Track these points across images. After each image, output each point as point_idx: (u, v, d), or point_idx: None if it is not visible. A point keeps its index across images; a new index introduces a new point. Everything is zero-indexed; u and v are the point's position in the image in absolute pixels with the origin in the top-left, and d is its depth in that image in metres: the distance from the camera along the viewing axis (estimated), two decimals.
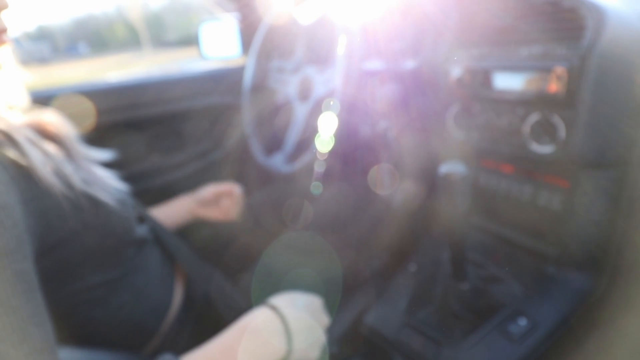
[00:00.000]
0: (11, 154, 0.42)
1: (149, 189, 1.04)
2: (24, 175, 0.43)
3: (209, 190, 0.86)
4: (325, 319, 0.57)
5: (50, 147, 0.52)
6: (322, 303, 0.60)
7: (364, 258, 0.85)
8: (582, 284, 0.60)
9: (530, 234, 0.66)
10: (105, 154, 0.65)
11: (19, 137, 0.45)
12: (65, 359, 0.41)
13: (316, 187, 0.77)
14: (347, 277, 0.79)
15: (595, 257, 0.58)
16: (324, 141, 0.75)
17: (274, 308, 0.52)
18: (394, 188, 0.89)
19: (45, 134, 0.55)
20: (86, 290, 0.52)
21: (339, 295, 0.74)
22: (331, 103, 0.77)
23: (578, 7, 0.52)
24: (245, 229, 0.88)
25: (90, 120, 0.95)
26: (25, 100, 0.53)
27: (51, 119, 0.57)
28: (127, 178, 0.68)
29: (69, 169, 0.50)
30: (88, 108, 0.95)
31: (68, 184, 0.48)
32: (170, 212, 0.84)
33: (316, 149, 0.75)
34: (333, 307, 0.72)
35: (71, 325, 0.53)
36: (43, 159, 0.46)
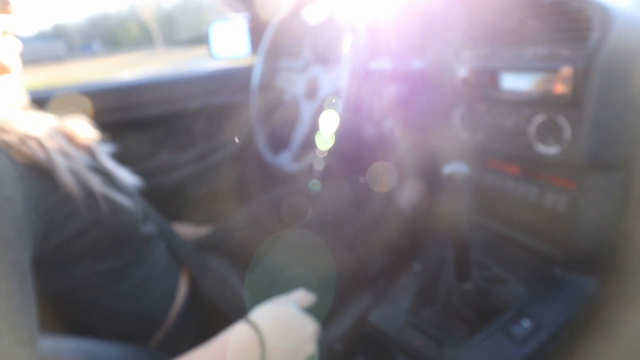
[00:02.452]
0: (33, 153, 0.44)
1: (158, 187, 1.06)
2: (39, 174, 0.45)
3: None
4: (311, 331, 0.56)
5: (74, 151, 0.53)
6: (310, 313, 0.59)
7: (368, 256, 0.85)
8: (587, 286, 0.59)
9: (535, 235, 0.66)
10: (116, 152, 0.66)
11: (45, 140, 0.47)
12: (73, 349, 0.42)
13: (315, 185, 0.77)
14: (350, 275, 0.80)
15: (601, 259, 0.58)
16: (325, 139, 0.76)
17: (253, 325, 0.51)
18: (394, 186, 0.89)
19: (71, 138, 0.57)
20: (87, 276, 0.53)
21: (333, 292, 0.74)
22: (333, 101, 0.78)
23: (584, 8, 0.52)
24: (255, 225, 0.89)
25: (101, 118, 0.97)
26: (24, 99, 0.54)
27: (78, 124, 0.59)
28: (138, 175, 0.70)
29: (89, 172, 0.52)
30: (100, 106, 0.98)
31: (87, 187, 0.50)
32: None
33: (317, 148, 0.76)
34: (329, 304, 0.72)
35: (74, 312, 0.54)
36: (65, 161, 0.48)
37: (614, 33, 0.49)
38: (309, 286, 0.64)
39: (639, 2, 0.53)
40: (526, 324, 0.57)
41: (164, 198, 0.88)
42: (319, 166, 0.74)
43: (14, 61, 0.48)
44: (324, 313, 0.67)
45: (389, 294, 0.71)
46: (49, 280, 0.46)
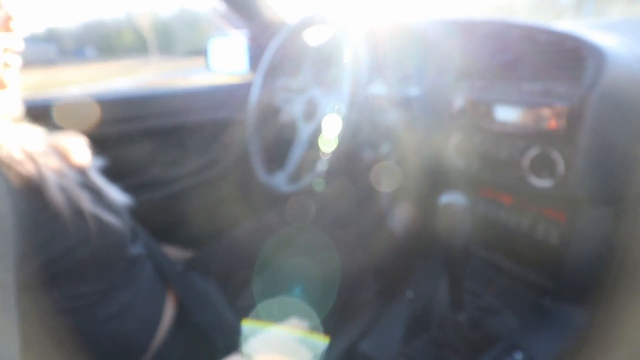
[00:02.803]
0: (25, 170, 0.43)
1: (148, 202, 1.04)
2: (28, 190, 0.44)
3: None
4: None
5: (66, 167, 0.52)
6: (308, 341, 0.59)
7: (358, 279, 0.84)
8: (578, 319, 0.60)
9: (527, 266, 0.66)
10: (107, 165, 0.65)
11: (38, 154, 0.46)
12: None
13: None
14: (340, 299, 0.79)
15: (592, 291, 0.58)
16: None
17: (248, 359, 0.50)
18: (387, 208, 0.89)
19: (64, 155, 0.55)
20: (69, 299, 0.51)
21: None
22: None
23: (579, 48, 0.54)
24: (248, 243, 0.88)
25: (93, 129, 0.96)
26: (20, 110, 0.53)
27: (71, 140, 0.58)
28: (127, 189, 0.69)
29: (79, 190, 0.51)
30: (92, 117, 0.96)
31: (76, 205, 0.49)
32: None
33: (318, 170, 0.76)
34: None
35: (54, 337, 0.52)
36: (56, 178, 0.47)
37: (607, 73, 0.51)
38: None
39: (631, 45, 0.55)
40: (518, 356, 0.56)
41: (153, 214, 0.86)
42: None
43: (13, 77, 0.48)
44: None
45: (380, 322, 0.71)
46: (28, 302, 0.44)
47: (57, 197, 0.47)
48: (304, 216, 0.86)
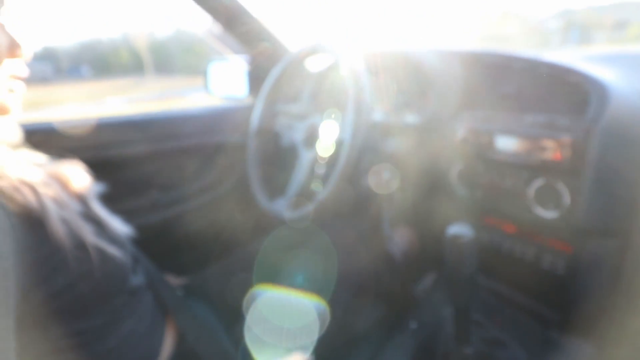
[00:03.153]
0: (26, 201, 0.42)
1: (147, 225, 1.02)
2: (30, 224, 0.42)
3: None
4: None
5: (68, 198, 0.51)
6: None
7: (362, 308, 0.83)
8: (585, 351, 0.58)
9: (532, 296, 0.66)
10: (104, 189, 0.64)
11: (40, 186, 0.45)
12: None
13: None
14: (342, 328, 0.77)
15: (599, 324, 0.57)
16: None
17: None
18: (387, 234, 0.89)
19: (65, 184, 0.54)
20: (67, 336, 0.49)
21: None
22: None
23: (582, 83, 0.55)
24: (247, 268, 0.86)
25: (90, 153, 0.95)
26: (17, 136, 0.53)
27: (72, 169, 0.57)
28: (125, 213, 0.67)
29: (81, 221, 0.49)
30: (89, 141, 0.95)
31: (78, 237, 0.47)
32: None
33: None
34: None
35: None
36: (57, 210, 0.46)
37: (610, 107, 0.51)
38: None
39: (633, 79, 0.56)
40: None
41: (151, 238, 0.84)
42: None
43: (16, 104, 0.47)
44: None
45: (385, 353, 0.69)
46: (25, 341, 0.42)
47: (58, 229, 0.45)
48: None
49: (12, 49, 0.44)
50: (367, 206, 0.91)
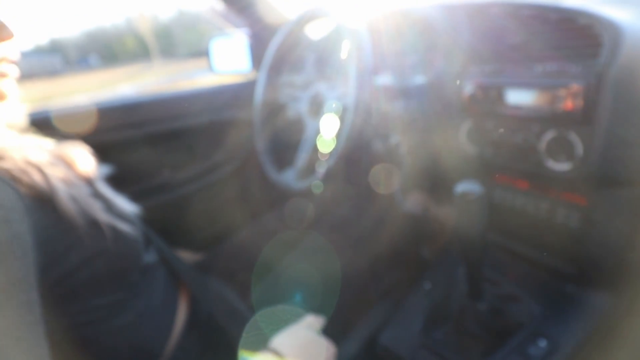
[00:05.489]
0: (34, 182, 0.43)
1: (160, 205, 1.05)
2: (41, 204, 0.44)
3: None
4: (330, 354, 0.57)
5: (75, 178, 0.52)
6: (324, 337, 0.59)
7: (376, 271, 0.84)
8: (602, 304, 0.58)
9: (547, 251, 0.65)
10: (115, 171, 0.65)
11: (46, 167, 0.46)
12: None
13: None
14: (357, 289, 0.78)
15: (615, 276, 0.57)
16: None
17: (276, 353, 0.51)
18: (406, 202, 0.89)
19: (71, 165, 0.55)
20: (84, 312, 0.51)
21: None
22: (333, 105, 0.77)
23: (593, 25, 0.52)
24: (258, 241, 0.88)
25: (99, 136, 0.96)
26: (23, 121, 0.53)
27: (77, 150, 0.58)
28: (138, 194, 0.69)
29: (91, 200, 0.51)
30: (99, 125, 0.97)
31: (90, 215, 0.49)
32: None
33: (318, 151, 0.75)
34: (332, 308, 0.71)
35: (74, 346, 0.53)
36: (66, 189, 0.47)
37: (624, 49, 0.49)
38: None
39: None
40: (542, 343, 0.55)
41: (162, 218, 0.86)
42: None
43: (11, 88, 0.47)
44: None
45: (399, 313, 0.70)
46: (44, 317, 0.45)
47: (69, 208, 0.47)
48: (304, 219, 0.86)
49: (0, 32, 0.44)
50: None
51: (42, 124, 0.72)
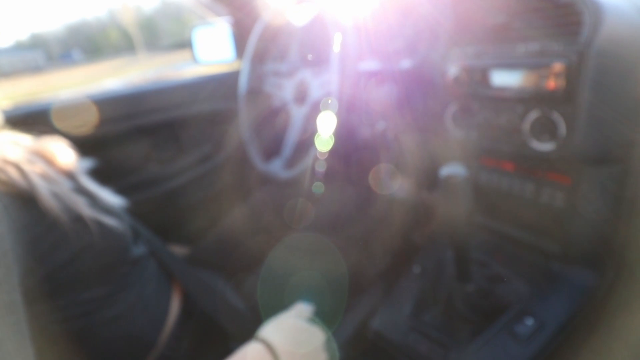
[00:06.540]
0: (11, 179, 0.42)
1: (149, 199, 1.04)
2: (22, 203, 0.43)
3: None
4: (321, 341, 0.57)
5: (55, 174, 0.51)
6: (316, 323, 0.59)
7: (367, 259, 0.84)
8: (587, 281, 0.59)
9: (533, 232, 0.66)
10: (101, 166, 0.64)
11: (24, 164, 0.44)
12: None
13: (318, 187, 0.76)
14: (351, 279, 0.79)
15: (599, 253, 0.58)
16: (324, 141, 0.75)
17: (266, 342, 0.50)
18: (394, 188, 0.89)
19: (50, 161, 0.54)
20: (77, 305, 0.51)
21: (345, 297, 0.74)
22: (329, 102, 0.76)
23: (574, 3, 0.51)
24: (247, 232, 0.87)
25: (87, 130, 0.94)
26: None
27: (56, 145, 0.57)
28: (126, 189, 0.67)
29: (74, 195, 0.50)
30: (85, 119, 0.95)
31: (74, 211, 0.48)
32: None
33: (316, 150, 0.74)
34: (340, 309, 0.72)
35: (69, 338, 0.52)
36: (47, 185, 0.46)
37: (605, 27, 0.48)
38: (319, 290, 0.63)
39: None
40: (529, 322, 0.56)
41: (153, 210, 0.85)
42: (320, 168, 0.73)
43: None
44: (338, 316, 0.67)
45: (389, 298, 0.70)
46: (34, 313, 0.44)
47: (51, 204, 0.46)
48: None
49: None
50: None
51: (20, 120, 0.71)
